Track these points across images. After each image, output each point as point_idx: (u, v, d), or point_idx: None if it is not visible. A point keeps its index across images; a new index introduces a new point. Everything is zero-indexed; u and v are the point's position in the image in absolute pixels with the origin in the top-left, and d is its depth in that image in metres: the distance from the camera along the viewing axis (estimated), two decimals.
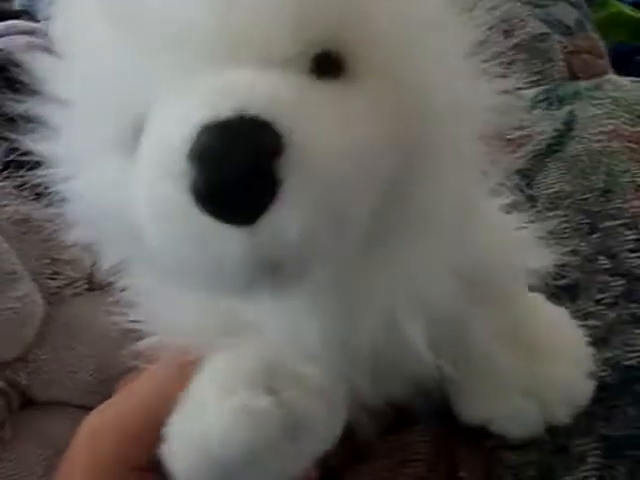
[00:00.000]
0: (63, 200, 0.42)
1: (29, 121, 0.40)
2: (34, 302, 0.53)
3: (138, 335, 0.50)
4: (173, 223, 0.29)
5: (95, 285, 0.62)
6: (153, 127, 0.32)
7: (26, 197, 0.59)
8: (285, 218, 0.28)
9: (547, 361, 0.46)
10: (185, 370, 0.41)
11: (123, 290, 0.48)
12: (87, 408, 0.53)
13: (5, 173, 0.60)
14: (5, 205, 0.57)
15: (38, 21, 0.79)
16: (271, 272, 0.30)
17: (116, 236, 0.39)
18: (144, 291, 0.46)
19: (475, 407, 0.48)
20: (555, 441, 0.49)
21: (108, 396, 0.53)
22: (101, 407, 0.45)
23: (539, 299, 0.49)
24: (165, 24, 0.31)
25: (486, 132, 0.38)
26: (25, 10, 0.77)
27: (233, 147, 0.27)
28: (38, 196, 0.59)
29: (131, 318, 0.49)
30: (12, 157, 0.61)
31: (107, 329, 0.56)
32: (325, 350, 0.37)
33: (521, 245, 0.44)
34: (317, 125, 0.29)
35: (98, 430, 0.43)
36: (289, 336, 0.38)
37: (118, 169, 0.35)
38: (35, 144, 0.40)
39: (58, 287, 0.57)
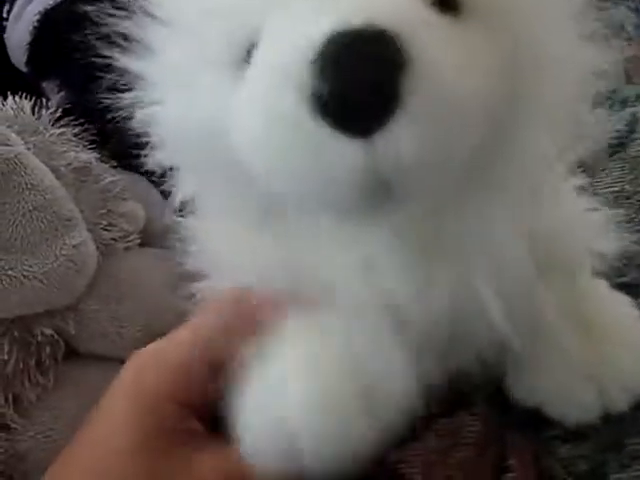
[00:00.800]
0: (148, 123, 0.41)
1: (125, 39, 0.39)
2: (89, 251, 0.52)
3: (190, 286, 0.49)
4: (289, 131, 0.29)
5: (147, 240, 0.61)
6: (271, 38, 0.31)
7: (86, 145, 0.58)
8: (403, 134, 0.28)
9: (609, 348, 0.45)
10: (246, 310, 0.40)
11: (180, 239, 0.48)
12: None
13: (65, 120, 0.59)
14: (65, 151, 0.56)
15: None
16: (379, 191, 0.30)
17: (203, 161, 0.39)
18: (208, 234, 0.45)
19: (533, 387, 0.47)
20: (609, 437, 0.49)
21: None
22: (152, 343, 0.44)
23: (602, 284, 0.49)
24: None
25: (582, 97, 0.37)
26: None
27: (361, 57, 0.27)
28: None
29: (187, 267, 0.48)
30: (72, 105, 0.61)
31: (157, 286, 0.56)
32: (400, 294, 0.37)
33: (589, 225, 0.44)
34: (441, 47, 0.29)
35: (143, 358, 0.42)
36: (362, 278, 0.37)
37: (222, 90, 0.35)
38: (128, 62, 0.39)
39: (112, 239, 0.56)
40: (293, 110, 0.28)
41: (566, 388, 0.46)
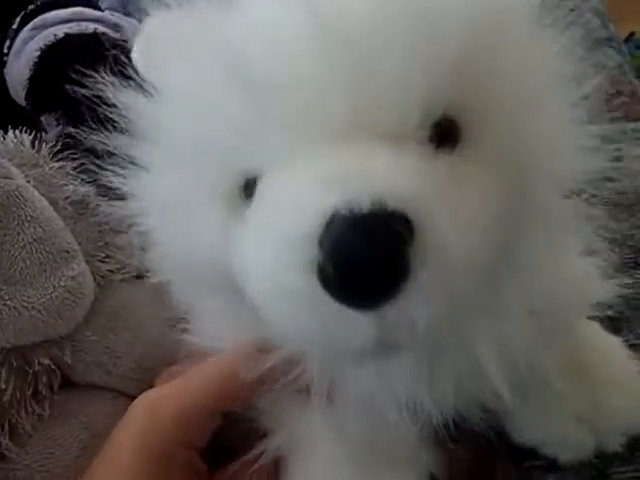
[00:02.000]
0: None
1: (114, 157, 0.40)
2: (86, 282, 0.53)
3: (183, 327, 0.51)
4: (297, 304, 0.30)
5: (144, 273, 0.62)
6: (274, 201, 0.32)
7: (84, 179, 0.59)
8: (414, 304, 0.28)
9: (602, 389, 0.46)
10: (251, 359, 0.41)
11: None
12: (127, 395, 0.53)
13: (65, 154, 0.60)
14: (64, 185, 0.57)
15: (102, 10, 0.79)
16: (389, 351, 0.31)
17: (199, 281, 0.40)
18: (207, 311, 0.47)
19: (528, 429, 0.48)
20: (595, 467, 0.50)
21: (149, 384, 0.53)
22: (161, 386, 0.45)
23: (595, 327, 0.50)
24: (291, 90, 0.31)
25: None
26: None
27: (369, 241, 0.27)
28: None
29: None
30: (70, 140, 0.62)
31: (153, 317, 0.57)
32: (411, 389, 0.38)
33: (585, 278, 0.45)
34: (444, 214, 0.29)
35: (158, 402, 0.43)
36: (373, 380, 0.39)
37: (220, 222, 0.35)
38: (120, 181, 0.40)
39: (109, 270, 0.57)
40: (303, 285, 0.29)
41: (561, 433, 0.47)
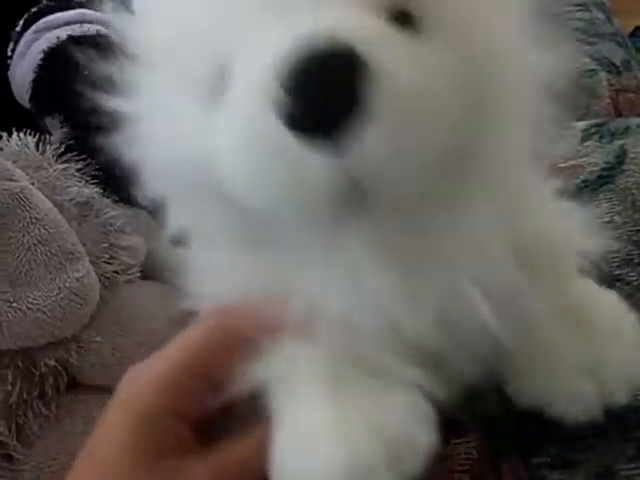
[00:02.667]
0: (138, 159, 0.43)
1: (110, 82, 0.41)
2: (91, 284, 0.53)
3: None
4: (262, 145, 0.31)
5: (148, 273, 0.62)
6: (242, 61, 0.33)
7: (88, 180, 0.60)
8: (369, 136, 0.29)
9: (603, 341, 0.46)
10: (230, 326, 0.42)
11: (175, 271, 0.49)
12: None
13: (69, 155, 0.60)
14: (68, 187, 0.57)
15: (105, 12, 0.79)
16: (354, 196, 0.31)
17: (191, 188, 0.40)
18: (199, 263, 0.46)
19: (533, 389, 0.48)
20: (602, 463, 0.49)
21: None
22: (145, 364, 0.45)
23: (590, 282, 0.50)
24: None
25: (545, 94, 0.39)
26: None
27: (323, 70, 0.28)
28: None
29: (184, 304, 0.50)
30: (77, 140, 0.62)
31: (158, 318, 0.57)
32: (389, 308, 0.38)
33: (572, 227, 0.45)
34: (399, 56, 0.30)
35: (136, 372, 0.43)
36: (350, 297, 0.38)
37: (201, 118, 0.36)
38: (115, 103, 0.41)
39: (114, 272, 0.57)
40: (264, 125, 0.30)
41: (565, 387, 0.47)
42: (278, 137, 0.30)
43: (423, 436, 0.37)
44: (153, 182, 0.43)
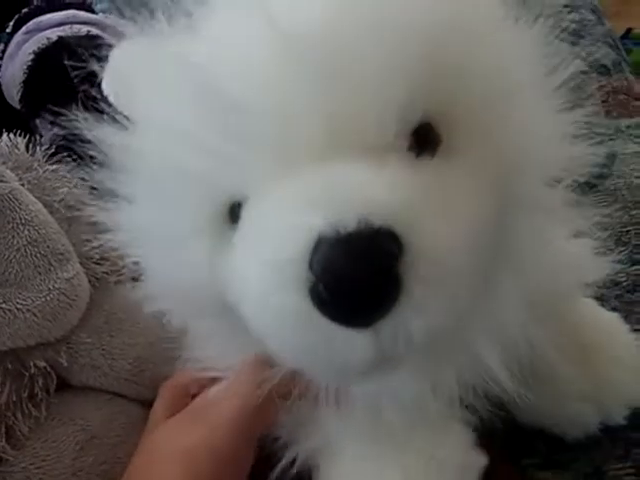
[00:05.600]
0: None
1: (99, 191, 0.40)
2: (82, 285, 0.53)
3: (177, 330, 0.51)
4: (292, 326, 0.30)
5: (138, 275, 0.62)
6: (259, 227, 0.32)
7: (78, 182, 0.59)
8: (407, 318, 0.29)
9: (602, 365, 0.47)
10: (261, 375, 0.41)
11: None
12: (123, 396, 0.53)
13: (59, 156, 0.60)
14: (58, 187, 0.57)
15: (95, 13, 0.80)
16: (388, 364, 0.31)
17: (192, 307, 0.40)
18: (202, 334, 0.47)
19: (534, 412, 0.49)
20: (591, 463, 0.50)
21: (145, 386, 0.53)
22: (182, 418, 0.46)
23: (591, 304, 0.50)
24: (265, 113, 0.31)
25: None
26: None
27: (357, 260, 0.27)
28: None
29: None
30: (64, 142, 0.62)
31: (148, 319, 0.56)
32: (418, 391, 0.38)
33: (578, 260, 0.45)
34: (429, 222, 0.29)
35: (189, 449, 0.43)
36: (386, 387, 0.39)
37: (206, 250, 0.35)
38: (105, 214, 0.40)
39: (104, 273, 0.57)
40: (296, 306, 0.29)
41: (567, 411, 0.48)
42: (312, 318, 0.29)
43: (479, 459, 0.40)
44: (152, 297, 0.43)
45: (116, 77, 0.41)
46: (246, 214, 0.33)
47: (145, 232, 0.39)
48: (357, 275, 0.27)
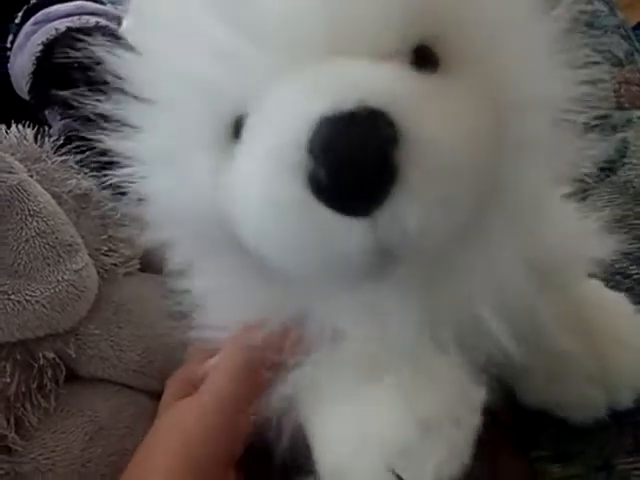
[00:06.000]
0: (139, 199, 0.42)
1: (107, 120, 0.40)
2: (90, 276, 0.53)
3: (187, 320, 0.51)
4: (292, 217, 0.30)
5: (146, 265, 0.62)
6: (261, 121, 0.32)
7: (87, 173, 0.59)
8: (404, 207, 0.28)
9: (610, 346, 0.47)
10: (252, 362, 0.42)
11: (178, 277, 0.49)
12: (131, 387, 0.53)
13: (67, 147, 0.60)
14: (67, 179, 0.57)
15: (104, 4, 0.79)
16: (384, 259, 0.31)
17: (197, 234, 0.39)
18: (202, 292, 0.46)
19: (539, 392, 0.48)
20: (601, 457, 0.49)
21: (153, 377, 0.53)
22: (184, 401, 0.46)
23: (598, 285, 0.50)
24: (272, 15, 0.31)
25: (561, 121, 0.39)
26: None
27: (357, 140, 0.27)
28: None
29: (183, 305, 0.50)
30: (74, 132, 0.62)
31: (156, 311, 0.57)
32: (413, 339, 0.38)
33: (583, 233, 0.45)
34: (429, 117, 0.29)
35: (185, 425, 0.43)
36: (377, 330, 0.38)
37: (211, 168, 0.35)
38: (113, 143, 0.40)
39: (113, 264, 0.57)
40: (295, 195, 0.29)
41: (574, 392, 0.47)
42: (311, 208, 0.29)
43: (477, 392, 0.38)
44: (157, 225, 0.42)
45: (134, 11, 0.41)
46: (249, 121, 0.33)
47: (152, 158, 0.39)
48: (356, 155, 0.27)
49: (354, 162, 0.27)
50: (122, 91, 0.39)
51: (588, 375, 0.46)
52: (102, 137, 0.41)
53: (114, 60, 0.38)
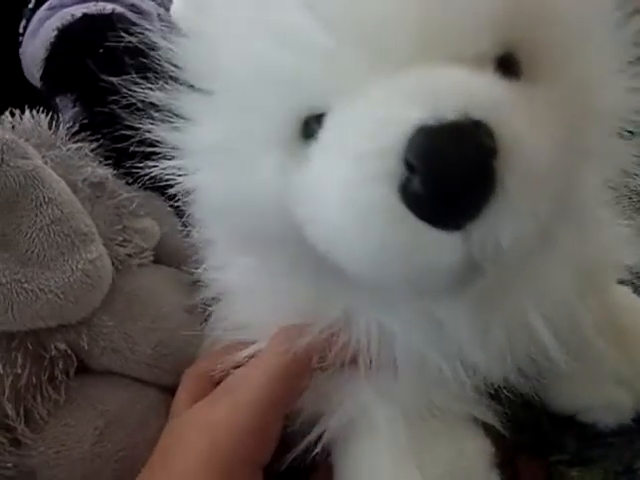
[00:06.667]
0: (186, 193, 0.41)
1: (157, 109, 0.39)
2: (105, 266, 0.52)
3: (204, 315, 0.49)
4: (380, 226, 0.29)
5: (160, 258, 0.61)
6: (347, 123, 0.31)
7: (102, 161, 0.58)
8: (499, 219, 0.28)
9: (638, 349, 0.46)
10: (295, 365, 0.41)
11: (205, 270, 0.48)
12: (143, 381, 0.52)
13: (83, 135, 0.59)
14: (82, 166, 0.56)
15: None
16: (470, 272, 0.30)
17: (247, 231, 0.38)
18: (237, 288, 0.45)
19: (569, 395, 0.48)
20: (621, 461, 0.49)
21: (166, 371, 0.52)
22: (209, 399, 0.45)
23: (627, 291, 0.50)
24: (356, 17, 0.30)
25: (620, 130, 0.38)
26: None
27: (460, 152, 0.27)
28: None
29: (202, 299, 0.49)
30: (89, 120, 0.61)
31: (170, 303, 0.56)
32: (463, 343, 0.37)
33: (619, 241, 0.45)
34: (522, 126, 0.29)
35: (214, 423, 0.42)
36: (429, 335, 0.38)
37: (276, 165, 0.34)
38: (164, 133, 0.39)
39: (127, 255, 0.56)
40: (386, 204, 0.28)
41: (601, 395, 0.48)
42: (402, 218, 0.28)
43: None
44: (205, 220, 0.41)
45: None
46: (330, 121, 0.32)
47: (209, 151, 0.37)
48: (458, 168, 0.26)
49: (456, 175, 0.26)
50: (177, 80, 0.37)
51: (619, 379, 0.46)
52: (150, 126, 0.39)
53: (165, 47, 0.37)
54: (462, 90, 0.28)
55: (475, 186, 0.27)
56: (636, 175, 0.41)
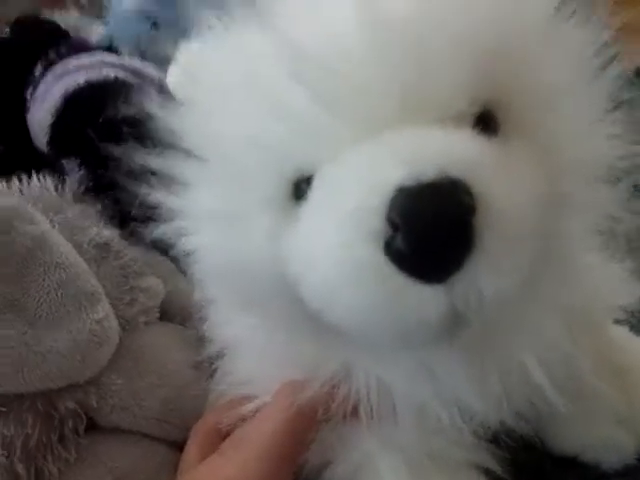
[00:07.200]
0: (186, 254, 0.42)
1: (156, 175, 0.41)
2: (111, 326, 0.53)
3: (210, 370, 0.50)
4: (367, 282, 0.30)
5: (165, 315, 0.62)
6: (334, 185, 0.32)
7: (107, 222, 0.60)
8: (481, 273, 0.29)
9: (636, 389, 0.46)
10: (301, 418, 0.42)
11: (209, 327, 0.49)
12: (152, 437, 0.53)
13: (88, 197, 0.60)
14: (87, 227, 0.57)
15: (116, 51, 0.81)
16: (455, 323, 0.31)
17: (245, 290, 0.40)
18: (238, 343, 0.47)
19: (569, 436, 0.48)
20: None
21: (175, 426, 0.53)
22: (217, 455, 0.45)
23: (624, 331, 0.50)
24: (341, 88, 0.32)
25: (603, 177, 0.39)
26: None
27: (439, 210, 0.28)
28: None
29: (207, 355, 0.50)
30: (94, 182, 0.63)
31: (176, 360, 0.57)
32: (460, 391, 0.38)
33: (611, 283, 0.45)
34: (500, 183, 0.30)
35: (225, 476, 0.43)
36: (421, 380, 0.39)
37: (269, 226, 0.36)
38: (163, 198, 0.41)
39: (133, 314, 0.57)
40: (371, 261, 0.29)
41: (601, 435, 0.48)
42: (387, 274, 0.29)
43: None
44: (205, 281, 0.43)
45: (183, 69, 0.42)
46: (318, 182, 0.33)
47: (205, 215, 0.39)
48: (438, 225, 0.28)
49: (436, 232, 0.28)
50: (173, 147, 0.39)
51: (619, 419, 0.46)
52: (148, 191, 0.41)
53: (164, 115, 0.38)
54: (441, 150, 0.30)
55: (454, 242, 0.28)
56: (623, 219, 0.41)
